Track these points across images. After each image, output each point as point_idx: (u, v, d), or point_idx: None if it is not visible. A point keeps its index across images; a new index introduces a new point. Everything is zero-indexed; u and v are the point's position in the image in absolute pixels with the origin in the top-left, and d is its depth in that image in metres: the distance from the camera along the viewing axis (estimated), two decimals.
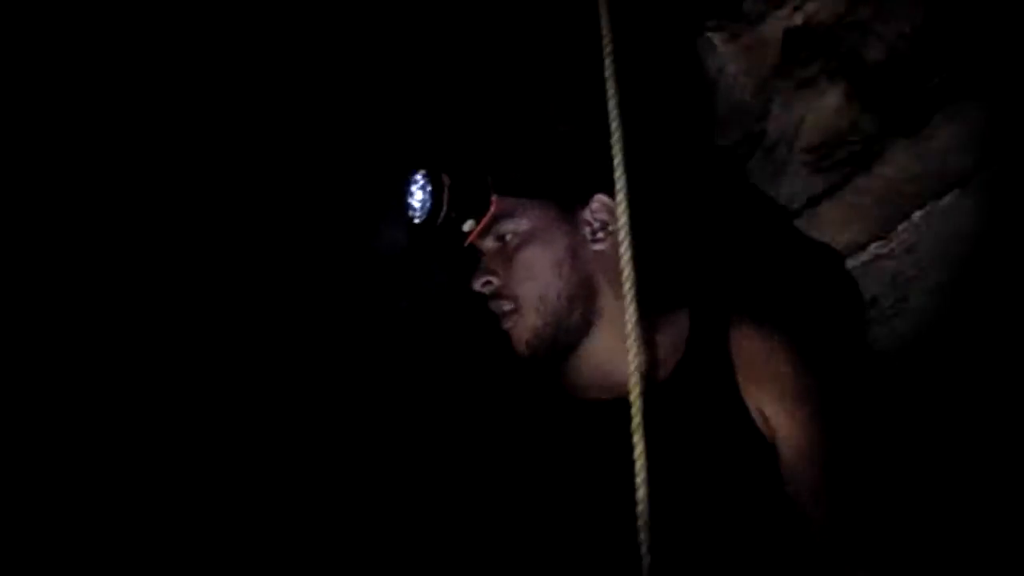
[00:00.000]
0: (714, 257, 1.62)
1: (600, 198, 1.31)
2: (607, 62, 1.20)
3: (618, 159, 1.17)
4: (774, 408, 1.26)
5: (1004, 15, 1.40)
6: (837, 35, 1.49)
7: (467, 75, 1.60)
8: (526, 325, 1.30)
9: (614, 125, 1.18)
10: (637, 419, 1.13)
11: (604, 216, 1.31)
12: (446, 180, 1.28)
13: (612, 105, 1.19)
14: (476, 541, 1.32)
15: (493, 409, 1.41)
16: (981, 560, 1.38)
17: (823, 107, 1.53)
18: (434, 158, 1.32)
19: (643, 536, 1.11)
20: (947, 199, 1.51)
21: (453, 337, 1.72)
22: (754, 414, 1.28)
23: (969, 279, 1.49)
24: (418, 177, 1.30)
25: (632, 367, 1.16)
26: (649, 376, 1.26)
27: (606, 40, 1.20)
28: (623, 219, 1.12)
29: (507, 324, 1.31)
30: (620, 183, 1.16)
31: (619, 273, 1.17)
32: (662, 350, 1.32)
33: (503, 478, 1.34)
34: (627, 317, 1.16)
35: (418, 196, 1.29)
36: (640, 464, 1.12)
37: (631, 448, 1.11)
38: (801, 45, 1.51)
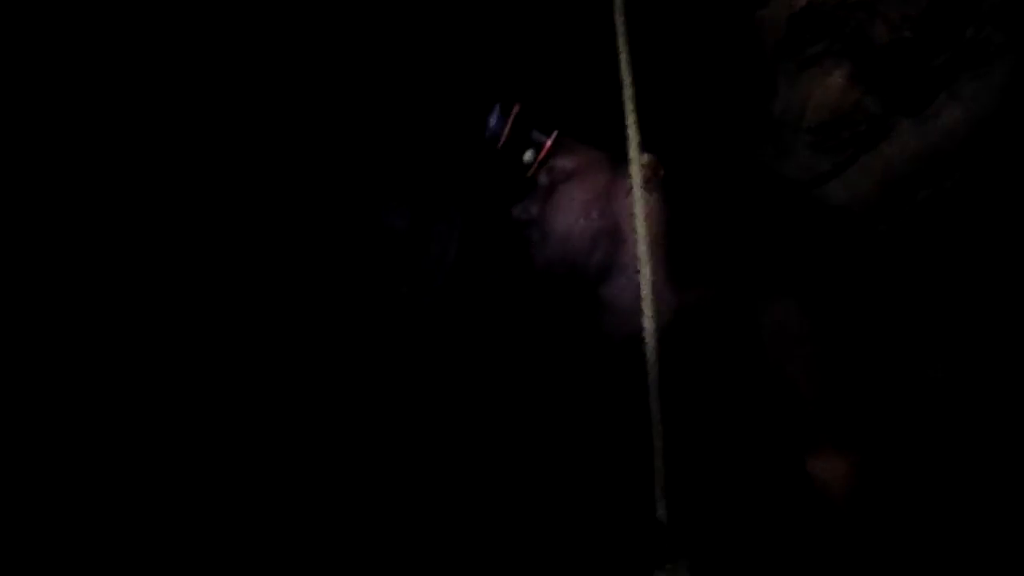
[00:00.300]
0: (740, 226, 1.62)
1: (645, 156, 1.33)
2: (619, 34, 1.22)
3: (631, 118, 1.18)
4: (800, 366, 1.28)
5: None
6: (842, 15, 1.50)
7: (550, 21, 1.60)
8: (545, 255, 1.36)
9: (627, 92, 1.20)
10: (654, 373, 1.13)
11: (648, 172, 1.35)
12: (515, 108, 1.36)
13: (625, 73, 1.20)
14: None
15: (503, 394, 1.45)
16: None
17: (828, 87, 1.54)
18: (510, 90, 1.39)
19: (659, 492, 1.13)
20: (952, 179, 1.52)
21: (455, 324, 1.71)
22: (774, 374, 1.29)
23: (975, 258, 1.49)
24: (496, 105, 1.38)
25: (647, 317, 1.18)
26: (664, 331, 1.27)
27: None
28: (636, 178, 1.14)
29: (532, 250, 1.38)
30: (633, 140, 1.16)
31: (650, 226, 1.23)
32: (680, 308, 1.34)
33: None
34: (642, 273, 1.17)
35: (492, 119, 1.37)
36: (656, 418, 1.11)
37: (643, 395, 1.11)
38: (806, 24, 1.52)
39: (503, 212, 1.45)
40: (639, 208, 1.20)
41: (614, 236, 1.36)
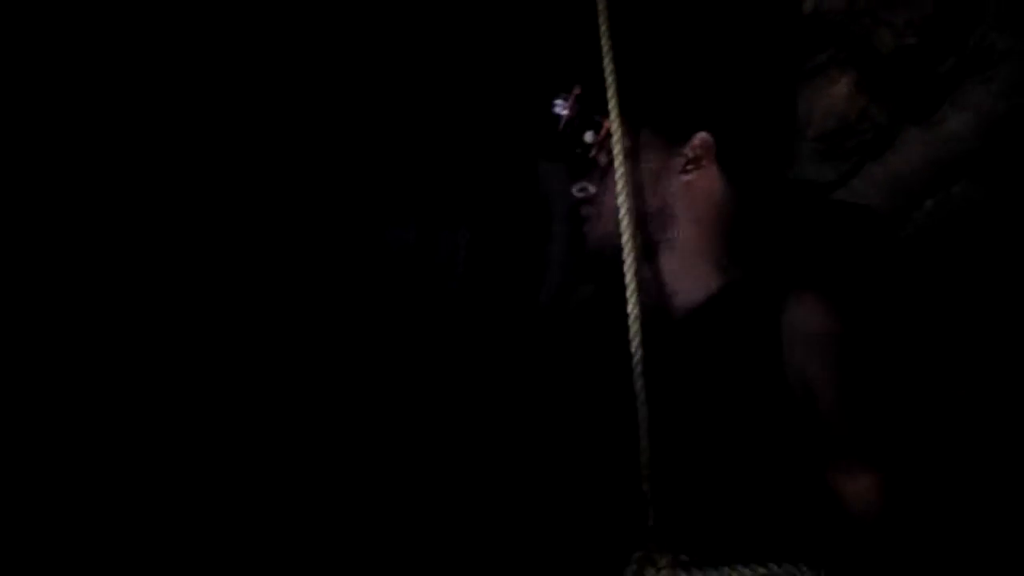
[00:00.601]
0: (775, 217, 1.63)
1: (702, 135, 1.38)
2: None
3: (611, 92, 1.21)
4: (818, 371, 1.25)
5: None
6: (847, 22, 1.51)
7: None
8: (598, 231, 1.40)
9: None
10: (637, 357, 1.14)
11: (700, 152, 1.38)
12: (577, 90, 1.40)
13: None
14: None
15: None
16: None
17: (833, 95, 1.54)
18: (572, 74, 1.43)
19: (644, 463, 1.16)
20: (959, 186, 1.50)
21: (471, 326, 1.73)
22: (792, 377, 1.26)
23: (980, 265, 1.47)
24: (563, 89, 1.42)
25: (631, 303, 1.20)
26: (662, 314, 1.33)
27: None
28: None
29: (586, 227, 1.42)
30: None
31: (699, 207, 1.34)
32: (687, 294, 1.36)
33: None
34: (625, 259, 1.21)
35: (558, 100, 1.41)
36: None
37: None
38: (812, 32, 1.53)
39: (564, 190, 1.50)
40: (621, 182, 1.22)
41: (666, 214, 1.39)
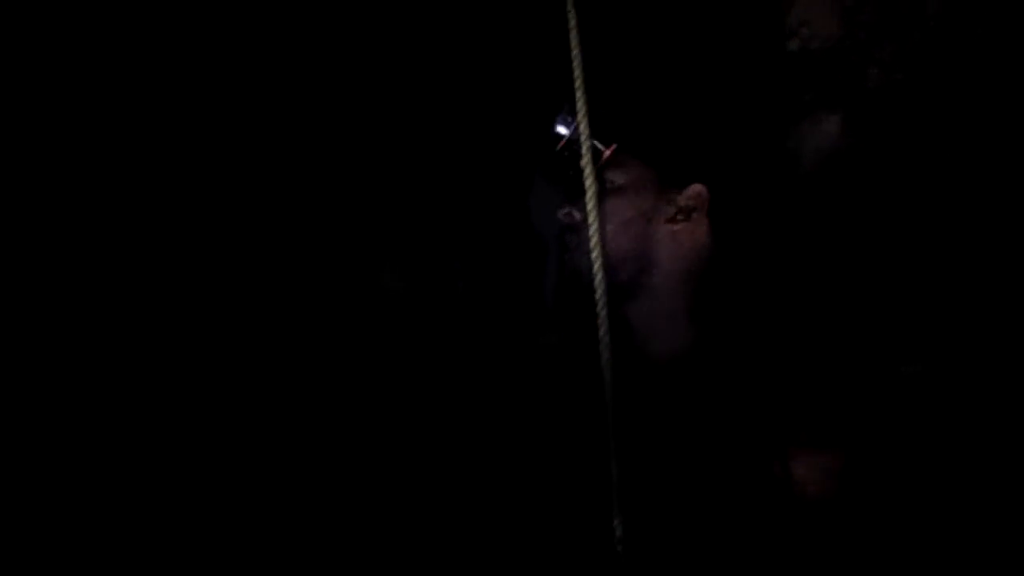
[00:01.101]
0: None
1: (697, 187, 1.38)
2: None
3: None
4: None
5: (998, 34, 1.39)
6: (834, 59, 1.48)
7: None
8: (576, 262, 1.38)
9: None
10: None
11: (693, 203, 1.38)
12: (581, 113, 1.38)
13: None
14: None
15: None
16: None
17: (823, 133, 1.51)
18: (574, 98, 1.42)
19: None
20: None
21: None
22: None
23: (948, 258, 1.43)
24: (566, 105, 1.40)
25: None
26: (634, 356, 1.34)
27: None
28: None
29: (566, 256, 1.40)
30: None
31: (682, 257, 1.34)
32: (661, 342, 1.35)
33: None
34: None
35: (559, 122, 1.40)
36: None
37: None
38: (800, 70, 1.50)
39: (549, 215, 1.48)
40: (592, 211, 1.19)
41: (647, 258, 1.37)
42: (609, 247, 1.35)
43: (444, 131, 1.68)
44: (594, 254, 1.19)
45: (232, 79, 1.69)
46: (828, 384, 1.29)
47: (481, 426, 1.50)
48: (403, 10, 1.63)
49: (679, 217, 1.38)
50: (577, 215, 1.39)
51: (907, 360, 1.35)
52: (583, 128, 1.21)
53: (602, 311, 1.20)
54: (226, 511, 1.56)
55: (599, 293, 1.20)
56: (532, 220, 1.59)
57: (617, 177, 1.40)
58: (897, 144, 1.46)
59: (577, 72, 1.20)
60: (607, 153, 1.35)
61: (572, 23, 1.22)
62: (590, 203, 1.21)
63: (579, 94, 1.20)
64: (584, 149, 1.24)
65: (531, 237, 1.59)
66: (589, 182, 1.22)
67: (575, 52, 1.21)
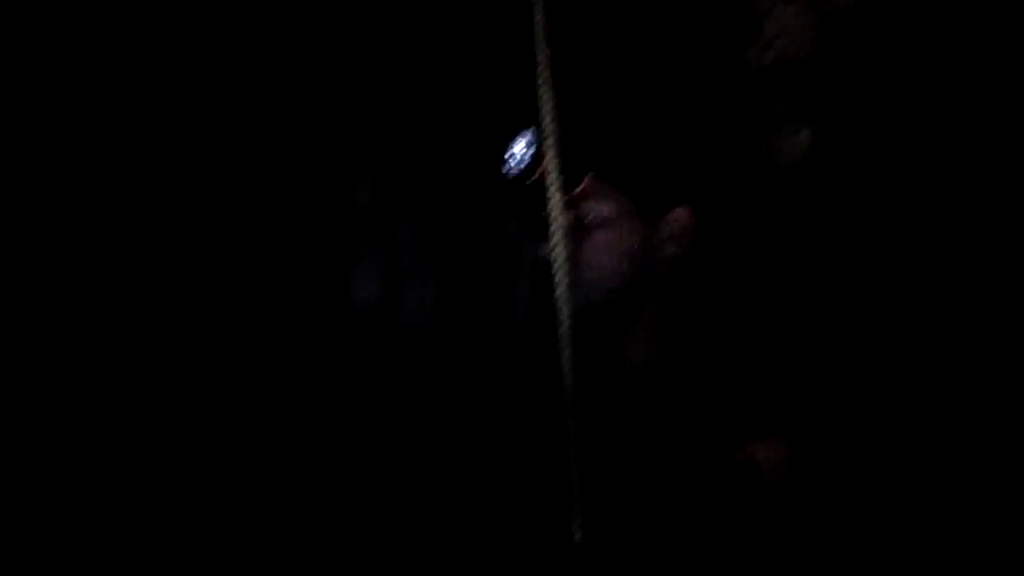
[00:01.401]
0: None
1: (681, 211, 1.37)
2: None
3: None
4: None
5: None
6: (806, 72, 1.48)
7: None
8: (566, 298, 1.30)
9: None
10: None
11: (680, 227, 1.37)
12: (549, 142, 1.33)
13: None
14: None
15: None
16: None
17: (796, 144, 1.51)
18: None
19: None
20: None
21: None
22: None
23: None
24: (528, 133, 1.36)
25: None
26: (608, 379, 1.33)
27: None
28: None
29: (558, 293, 1.31)
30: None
31: (665, 283, 1.33)
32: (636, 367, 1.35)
33: None
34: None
35: (519, 148, 1.35)
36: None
37: None
38: (772, 82, 1.50)
39: (527, 250, 1.46)
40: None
41: (640, 291, 1.36)
42: (602, 282, 1.35)
43: (416, 140, 1.68)
44: (558, 277, 1.17)
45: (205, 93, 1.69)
46: (793, 378, 1.31)
47: (446, 434, 1.51)
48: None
49: (669, 242, 1.37)
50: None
51: (872, 358, 1.36)
52: (551, 157, 1.18)
53: (566, 330, 1.18)
54: (213, 512, 1.56)
55: (564, 314, 1.19)
56: (506, 243, 1.58)
57: (602, 208, 1.37)
58: (869, 154, 1.47)
59: (545, 94, 1.16)
60: (576, 191, 1.33)
61: (540, 33, 1.19)
62: (556, 235, 1.18)
63: (547, 119, 1.17)
64: (552, 179, 1.21)
65: (505, 259, 1.59)
66: (556, 213, 1.18)
67: (543, 74, 1.18)
